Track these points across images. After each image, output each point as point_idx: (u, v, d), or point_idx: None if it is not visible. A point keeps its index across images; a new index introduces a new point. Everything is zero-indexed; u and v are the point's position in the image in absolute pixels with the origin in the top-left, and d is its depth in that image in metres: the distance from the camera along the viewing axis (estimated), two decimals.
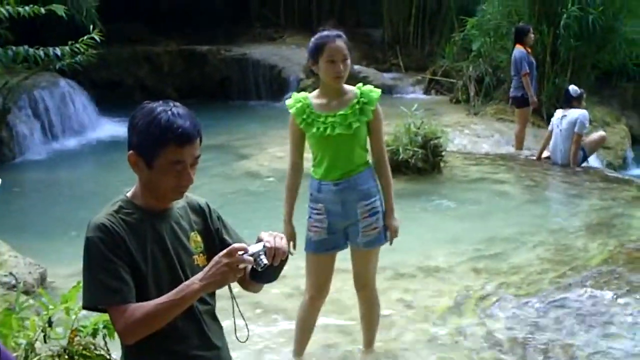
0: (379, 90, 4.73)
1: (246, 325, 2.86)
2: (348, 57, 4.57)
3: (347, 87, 4.71)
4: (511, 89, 12.34)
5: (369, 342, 5.21)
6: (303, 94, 4.80)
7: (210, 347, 2.90)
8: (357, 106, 4.61)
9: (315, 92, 4.78)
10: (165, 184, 2.75)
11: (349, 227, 4.76)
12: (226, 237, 2.98)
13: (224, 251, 2.60)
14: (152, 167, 2.72)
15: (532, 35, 12.42)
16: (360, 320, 5.22)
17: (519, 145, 12.19)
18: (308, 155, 4.85)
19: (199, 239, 2.90)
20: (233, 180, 10.70)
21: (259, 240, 2.70)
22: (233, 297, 2.87)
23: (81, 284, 2.76)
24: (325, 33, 4.58)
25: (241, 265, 2.59)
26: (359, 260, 4.90)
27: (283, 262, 2.74)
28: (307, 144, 4.81)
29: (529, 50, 12.17)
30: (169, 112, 2.71)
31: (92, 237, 2.67)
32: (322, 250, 4.79)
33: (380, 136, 4.80)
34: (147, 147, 2.70)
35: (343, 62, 4.53)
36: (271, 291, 6.09)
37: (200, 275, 2.62)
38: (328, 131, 4.58)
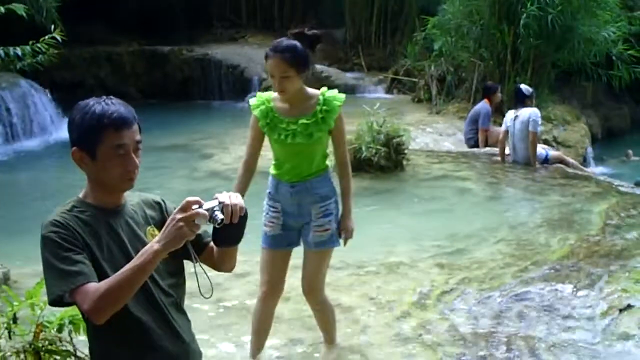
0: (342, 96, 4.67)
1: (210, 283, 2.84)
2: (288, 73, 4.40)
3: (311, 91, 4.64)
4: (465, 138, 12.61)
5: (329, 339, 5.23)
6: (267, 94, 4.72)
7: (177, 339, 2.90)
8: (319, 115, 4.55)
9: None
10: (112, 173, 2.75)
11: (303, 226, 4.77)
12: None
13: (178, 207, 2.58)
14: (96, 158, 2.73)
15: (500, 95, 12.71)
16: (318, 325, 5.23)
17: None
18: (265, 153, 4.86)
19: (156, 232, 2.87)
20: (197, 180, 10.68)
21: (215, 198, 2.68)
22: (195, 258, 2.82)
23: None
24: (274, 44, 4.49)
25: (197, 220, 2.55)
26: (309, 261, 4.86)
27: (242, 220, 2.71)
28: (266, 143, 4.79)
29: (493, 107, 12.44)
30: (102, 103, 2.75)
31: (47, 234, 2.67)
32: (276, 246, 4.76)
33: (342, 141, 4.77)
34: (87, 138, 2.72)
35: (282, 78, 4.41)
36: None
37: (158, 237, 2.59)
38: (289, 139, 4.55)
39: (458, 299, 6.11)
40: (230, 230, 2.69)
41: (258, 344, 5.04)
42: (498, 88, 12.78)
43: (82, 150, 2.75)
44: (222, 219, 2.61)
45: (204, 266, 2.86)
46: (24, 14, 9.36)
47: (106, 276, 2.68)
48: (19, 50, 9.57)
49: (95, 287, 2.61)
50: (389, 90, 18.94)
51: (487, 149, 12.07)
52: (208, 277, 2.82)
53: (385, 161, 10.17)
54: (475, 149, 12.19)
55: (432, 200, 9.46)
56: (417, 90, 17.19)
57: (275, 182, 4.76)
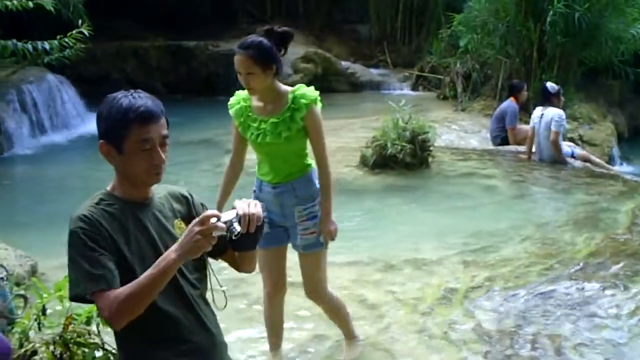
0: (314, 94, 4.51)
1: (224, 293, 2.87)
2: (252, 70, 4.36)
3: (284, 89, 4.54)
4: (491, 137, 12.56)
5: (348, 334, 5.21)
6: (246, 92, 4.61)
7: (206, 331, 2.93)
8: (287, 114, 4.45)
9: None
10: (139, 167, 2.78)
11: (289, 228, 4.71)
12: None
13: (197, 219, 2.61)
14: (123, 152, 2.76)
15: (526, 93, 12.69)
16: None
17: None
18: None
19: (183, 225, 2.91)
20: (221, 175, 10.68)
21: (233, 208, 2.72)
22: (210, 268, 2.90)
23: None
24: (241, 42, 4.45)
25: (214, 233, 2.59)
26: (303, 264, 4.83)
27: (260, 228, 2.75)
28: None
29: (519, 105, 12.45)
30: (130, 96, 2.77)
31: (74, 229, 2.69)
32: (267, 245, 4.63)
33: (318, 139, 4.58)
34: (114, 132, 2.74)
35: (247, 75, 4.37)
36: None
37: (175, 245, 2.63)
38: (259, 139, 4.49)
39: (483, 297, 6.11)
40: (248, 237, 2.73)
41: (274, 340, 5.06)
42: (524, 86, 12.73)
43: (109, 143, 2.77)
44: (239, 232, 2.65)
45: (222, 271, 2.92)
46: (52, 9, 9.42)
47: (133, 271, 2.72)
48: (47, 45, 9.68)
49: (114, 294, 2.65)
50: (414, 87, 18.92)
51: (513, 147, 12.02)
52: (220, 285, 2.90)
53: (411, 158, 10.15)
54: (500, 147, 12.14)
55: (457, 198, 9.43)
56: (443, 87, 17.16)
57: (259, 182, 4.72)
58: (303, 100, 4.46)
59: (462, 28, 16.12)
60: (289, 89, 4.55)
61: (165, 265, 2.61)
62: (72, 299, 2.78)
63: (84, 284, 2.67)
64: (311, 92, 4.53)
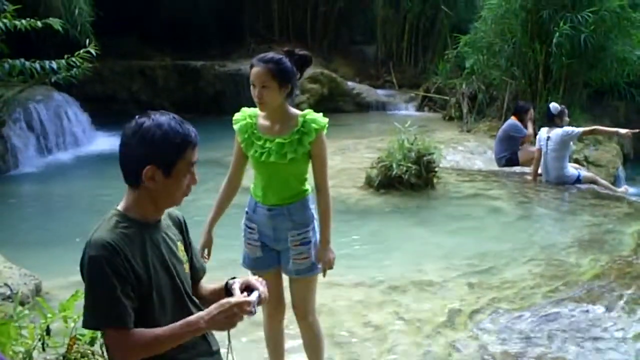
0: (324, 121, 4.51)
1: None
2: (268, 84, 4.33)
3: (293, 111, 4.54)
4: (496, 158, 12.59)
5: None
6: (253, 110, 4.61)
7: (212, 352, 2.98)
8: (295, 136, 4.42)
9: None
10: (180, 189, 2.84)
11: (281, 251, 4.66)
12: (193, 253, 3.14)
13: (238, 301, 2.73)
14: (170, 175, 2.78)
15: (532, 113, 12.73)
16: (304, 349, 5.00)
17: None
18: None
19: (183, 248, 2.97)
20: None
21: (248, 287, 2.91)
22: (229, 341, 2.99)
23: (79, 293, 2.79)
24: (261, 55, 4.45)
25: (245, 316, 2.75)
26: (294, 288, 4.76)
27: None
28: None
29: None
30: (175, 119, 2.82)
31: (97, 256, 2.68)
32: (260, 268, 4.63)
33: (321, 166, 4.54)
34: (168, 156, 2.77)
35: (261, 88, 4.34)
36: None
37: (206, 315, 2.71)
38: (263, 157, 4.45)
39: (488, 319, 6.09)
40: None
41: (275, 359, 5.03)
42: (530, 108, 12.73)
43: (159, 167, 2.77)
44: (254, 313, 2.79)
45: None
46: (60, 29, 9.43)
47: (150, 298, 2.77)
48: (54, 64, 9.67)
49: (131, 336, 2.69)
50: (419, 108, 18.96)
51: (519, 168, 12.03)
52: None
53: (416, 179, 10.15)
54: (506, 168, 12.14)
55: (462, 219, 9.42)
56: (448, 108, 17.19)
57: (253, 202, 4.67)
58: (314, 125, 4.44)
59: (468, 49, 16.16)
60: (299, 112, 4.54)
61: (190, 332, 2.72)
62: (85, 326, 2.79)
63: (101, 318, 2.70)
64: (321, 118, 4.52)
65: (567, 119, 11.18)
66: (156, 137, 2.76)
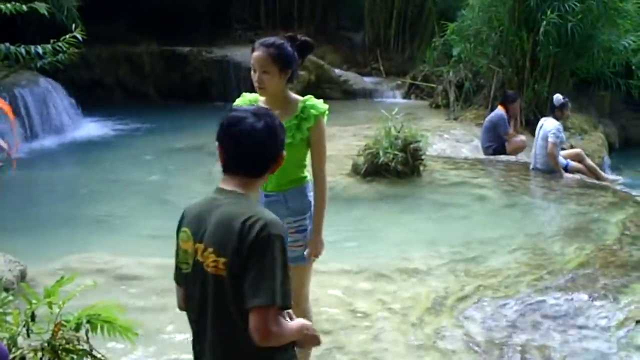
0: (324, 107, 4.53)
1: None
2: (269, 69, 4.36)
3: (294, 96, 4.55)
4: (483, 147, 12.63)
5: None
6: (254, 95, 4.63)
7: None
8: (294, 121, 4.44)
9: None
10: None
11: None
12: None
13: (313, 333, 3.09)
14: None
15: (517, 105, 12.74)
16: None
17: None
18: None
19: None
20: (213, 182, 10.68)
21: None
22: None
23: (64, 279, 2.76)
24: (263, 39, 4.45)
25: None
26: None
27: None
28: None
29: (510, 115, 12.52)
30: None
31: (281, 236, 2.85)
32: None
33: (320, 152, 4.58)
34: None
35: (263, 73, 4.36)
36: None
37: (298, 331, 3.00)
38: None
39: (473, 307, 6.11)
40: None
41: None
42: (517, 98, 12.74)
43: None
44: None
45: None
46: (46, 13, 9.37)
47: None
48: (39, 49, 9.60)
49: (283, 322, 2.89)
50: (406, 96, 18.95)
51: (505, 157, 12.06)
52: None
53: (402, 166, 10.15)
54: (492, 157, 12.17)
55: (448, 207, 9.44)
56: (435, 96, 17.20)
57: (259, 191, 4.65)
58: (313, 111, 4.45)
59: (455, 37, 16.15)
60: (299, 97, 4.55)
61: (301, 335, 3.01)
62: (282, 306, 2.84)
63: (287, 297, 2.82)
64: (321, 104, 4.52)
65: (568, 112, 11.20)
66: (278, 129, 3.05)
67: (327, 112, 4.53)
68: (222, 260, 2.82)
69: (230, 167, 3.01)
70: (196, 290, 2.93)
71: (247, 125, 2.95)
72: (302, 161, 4.59)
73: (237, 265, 2.79)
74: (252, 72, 4.44)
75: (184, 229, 2.99)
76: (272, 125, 3.00)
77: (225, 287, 2.82)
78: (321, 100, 4.60)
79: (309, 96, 4.61)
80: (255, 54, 4.39)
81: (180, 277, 3.04)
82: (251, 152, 2.98)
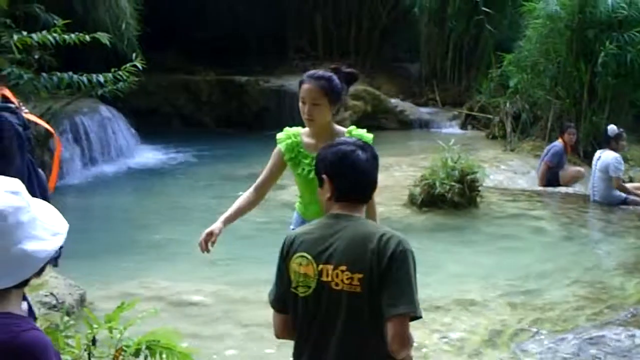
0: (369, 136, 4.51)
1: None
2: (320, 101, 4.40)
3: (339, 128, 4.60)
4: (540, 173, 12.55)
5: None
6: (295, 129, 4.69)
7: None
8: None
9: (307, 129, 4.67)
10: None
11: None
12: None
13: None
14: None
15: (574, 135, 12.61)
16: None
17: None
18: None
19: None
20: (268, 210, 10.73)
21: None
22: None
23: (125, 304, 2.79)
24: (311, 72, 4.51)
25: None
26: None
27: None
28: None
29: (568, 147, 12.44)
30: None
31: (412, 251, 3.04)
32: None
33: None
34: None
35: (312, 105, 4.40)
36: None
37: None
38: (311, 175, 4.33)
39: (530, 340, 6.04)
40: None
41: None
42: (572, 127, 12.63)
43: None
44: None
45: None
46: (107, 43, 9.57)
47: None
48: (101, 77, 9.81)
49: None
50: (463, 126, 18.87)
51: (563, 188, 11.96)
52: None
53: (459, 198, 10.10)
54: (549, 188, 12.05)
55: (505, 239, 9.37)
56: (492, 126, 17.08)
57: (299, 219, 4.72)
58: None
59: (512, 68, 16.10)
60: (344, 129, 4.59)
61: None
62: (417, 316, 3.02)
63: (419, 309, 3.02)
64: (366, 134, 4.55)
65: (623, 142, 11.10)
66: (377, 156, 3.25)
67: (372, 141, 4.53)
68: (357, 276, 2.96)
69: (345, 195, 3.18)
70: (320, 310, 3.04)
71: (360, 156, 3.17)
72: None
73: (375, 280, 2.94)
74: (300, 104, 4.48)
75: (301, 254, 3.08)
76: (376, 155, 3.24)
77: (362, 301, 2.96)
78: (365, 130, 4.63)
79: (352, 127, 4.65)
80: (305, 86, 4.44)
81: (290, 302, 3.13)
82: (367, 180, 3.22)
